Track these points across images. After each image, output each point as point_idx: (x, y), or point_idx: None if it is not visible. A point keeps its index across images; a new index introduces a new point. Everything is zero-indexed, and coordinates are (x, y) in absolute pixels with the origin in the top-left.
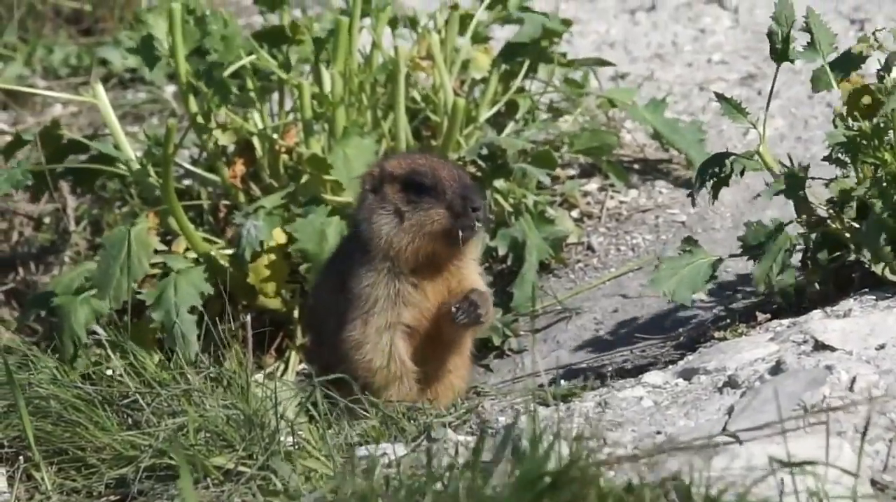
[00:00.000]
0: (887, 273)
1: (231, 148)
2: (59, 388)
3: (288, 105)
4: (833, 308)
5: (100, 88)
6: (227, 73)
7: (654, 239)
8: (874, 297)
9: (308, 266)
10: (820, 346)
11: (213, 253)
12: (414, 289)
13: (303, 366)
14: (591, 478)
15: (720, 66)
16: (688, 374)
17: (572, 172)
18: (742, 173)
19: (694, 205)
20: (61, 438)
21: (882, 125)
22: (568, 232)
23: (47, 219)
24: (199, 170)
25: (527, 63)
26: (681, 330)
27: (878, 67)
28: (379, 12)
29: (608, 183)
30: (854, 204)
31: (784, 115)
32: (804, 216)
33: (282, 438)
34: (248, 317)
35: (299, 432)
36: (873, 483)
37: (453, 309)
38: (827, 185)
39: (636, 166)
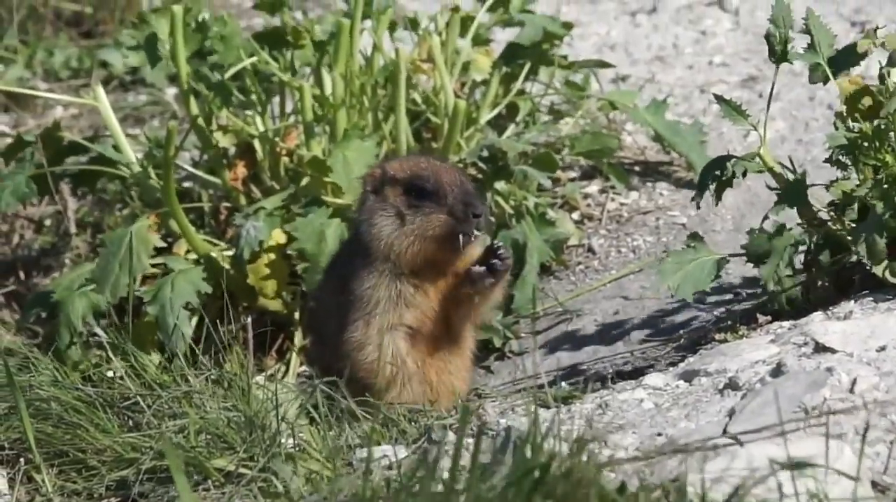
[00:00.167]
0: (888, 275)
1: (232, 150)
2: (60, 390)
3: (289, 107)
4: (834, 310)
5: (100, 91)
6: (228, 75)
7: (655, 241)
8: (875, 299)
9: (305, 266)
10: (820, 348)
11: (213, 254)
12: (415, 290)
13: (304, 367)
14: (589, 479)
15: (721, 69)
16: (688, 376)
17: (573, 174)
18: (743, 175)
19: (699, 208)
20: (62, 440)
21: (883, 127)
22: (569, 234)
23: (48, 222)
24: (199, 173)
25: (528, 65)
26: (681, 332)
27: (880, 67)
28: (380, 15)
29: (609, 185)
30: (855, 206)
31: (785, 117)
32: (806, 218)
33: (283, 440)
34: (249, 319)
35: (300, 434)
36: (874, 485)
37: (474, 269)
38: (828, 188)
39: (637, 168)
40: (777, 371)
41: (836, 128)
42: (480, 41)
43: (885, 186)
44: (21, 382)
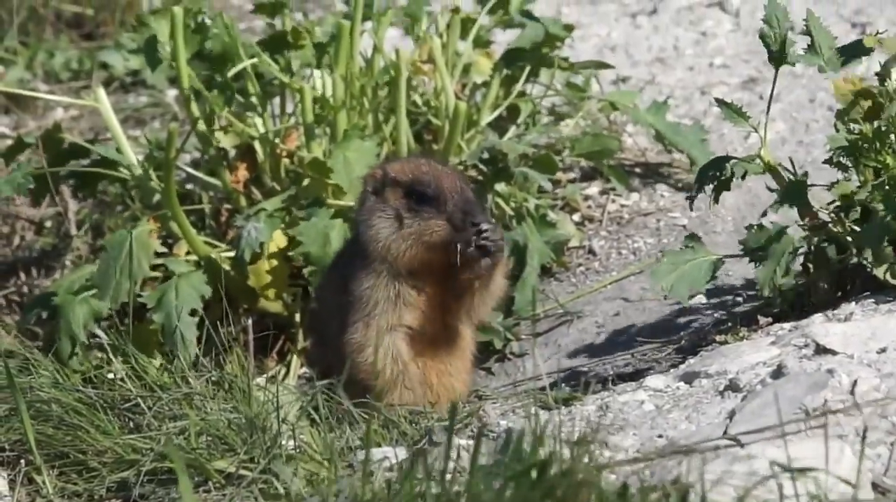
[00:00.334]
0: (888, 277)
1: (232, 152)
2: (61, 392)
3: (289, 109)
4: (834, 312)
5: (101, 92)
6: (229, 76)
7: (656, 242)
8: (875, 301)
9: (312, 269)
10: (821, 350)
11: (214, 256)
12: (415, 291)
13: (304, 369)
14: (590, 481)
15: (721, 70)
16: (689, 378)
17: (573, 176)
18: (743, 177)
19: (692, 208)
20: (62, 442)
21: (883, 128)
22: (569, 235)
23: (48, 223)
24: (200, 174)
25: (528, 67)
26: (682, 333)
27: (881, 65)
28: (380, 16)
29: (609, 186)
30: (857, 207)
31: (785, 118)
32: (806, 220)
33: (283, 442)
34: (250, 321)
35: (301, 436)
36: (874, 486)
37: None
38: (829, 189)
39: (637, 170)
40: (778, 372)
41: (837, 130)
42: (481, 43)
43: (887, 188)
44: (22, 384)
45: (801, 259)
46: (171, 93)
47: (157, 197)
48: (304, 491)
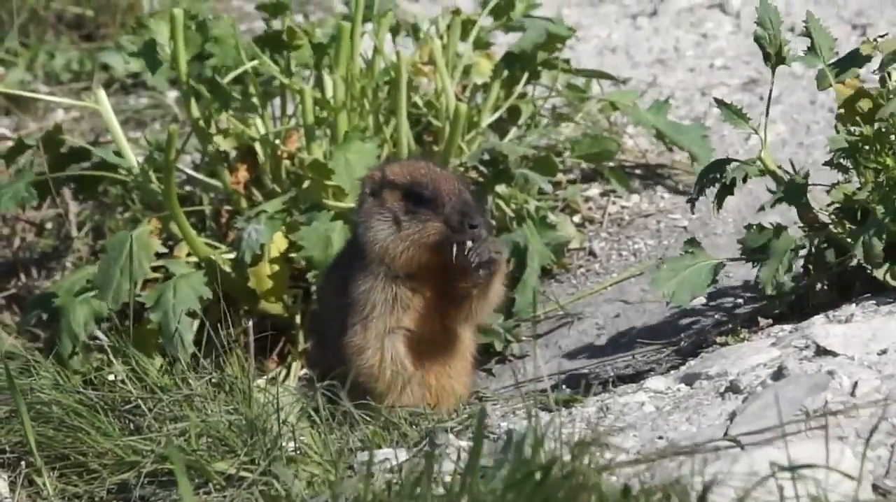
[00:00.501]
0: (888, 278)
1: (233, 153)
2: (61, 394)
3: (290, 110)
4: (835, 313)
5: (102, 94)
6: (229, 78)
7: (656, 244)
8: (876, 302)
9: (315, 272)
10: (822, 351)
11: (214, 257)
12: (412, 293)
13: (305, 371)
14: (590, 482)
15: (722, 72)
16: (690, 379)
17: (574, 177)
18: (744, 179)
19: (693, 211)
20: (63, 443)
21: (884, 130)
22: (570, 237)
23: (49, 225)
24: (200, 176)
25: (529, 69)
26: (682, 335)
27: (876, 68)
28: (381, 18)
29: (610, 188)
30: (857, 208)
31: (786, 120)
32: (806, 221)
33: (284, 443)
34: (250, 323)
35: (301, 437)
36: (875, 488)
37: (461, 259)
38: (829, 191)
39: (638, 171)
40: (778, 374)
41: (837, 132)
42: (481, 44)
43: (886, 189)
44: (22, 385)
45: (801, 261)
46: (172, 94)
47: (157, 198)
48: (304, 493)
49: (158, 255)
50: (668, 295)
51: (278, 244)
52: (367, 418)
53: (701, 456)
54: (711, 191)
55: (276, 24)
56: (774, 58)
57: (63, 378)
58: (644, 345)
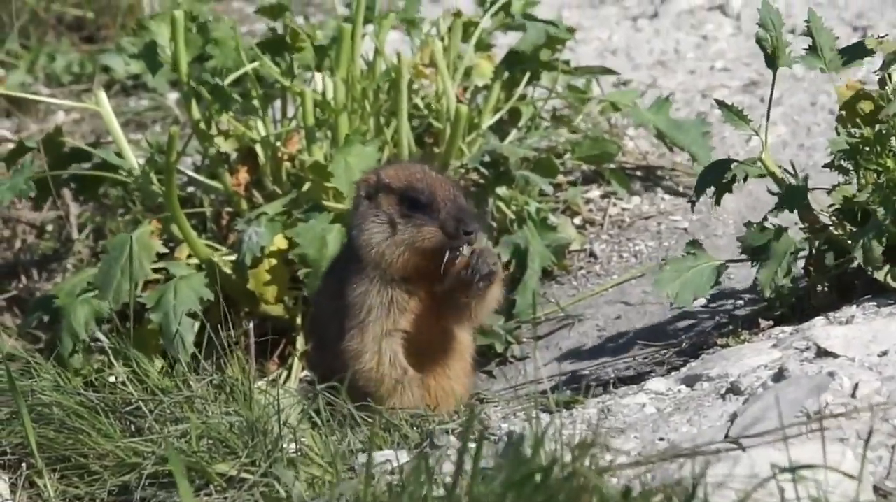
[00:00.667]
0: (889, 280)
1: (233, 155)
2: (62, 395)
3: (290, 112)
4: (835, 315)
5: (102, 96)
6: (229, 80)
7: (657, 246)
8: (876, 304)
9: (307, 271)
10: (822, 353)
11: (215, 259)
12: (408, 296)
13: (305, 372)
14: (591, 484)
15: (723, 73)
16: (690, 381)
17: (574, 179)
18: (745, 180)
19: (693, 211)
20: (64, 445)
21: (884, 132)
22: (570, 239)
23: (50, 227)
24: (201, 178)
25: (529, 70)
26: (683, 336)
27: (877, 69)
28: (381, 19)
29: (610, 190)
30: (857, 210)
31: (786, 122)
32: (807, 223)
33: (284, 445)
34: (251, 324)
35: (302, 439)
36: (876, 489)
37: (462, 273)
38: (829, 192)
39: (638, 173)
40: (779, 375)
41: (838, 133)
42: (482, 46)
43: (887, 191)
44: (23, 387)
45: (802, 262)
46: (173, 96)
47: (158, 200)
48: (305, 495)
49: (159, 257)
50: (672, 296)
51: (278, 244)
52: (368, 420)
53: (702, 457)
54: (712, 192)
55: (278, 27)
56: (775, 59)
57: (64, 379)
58: (645, 346)
